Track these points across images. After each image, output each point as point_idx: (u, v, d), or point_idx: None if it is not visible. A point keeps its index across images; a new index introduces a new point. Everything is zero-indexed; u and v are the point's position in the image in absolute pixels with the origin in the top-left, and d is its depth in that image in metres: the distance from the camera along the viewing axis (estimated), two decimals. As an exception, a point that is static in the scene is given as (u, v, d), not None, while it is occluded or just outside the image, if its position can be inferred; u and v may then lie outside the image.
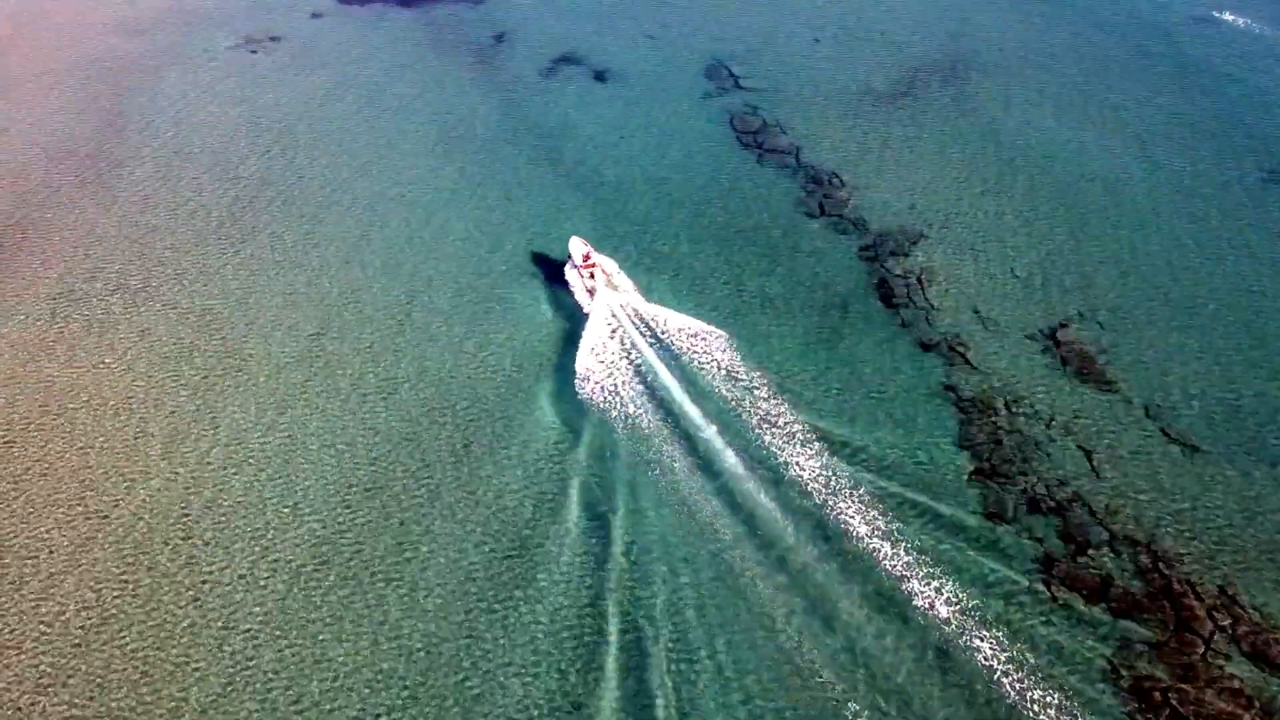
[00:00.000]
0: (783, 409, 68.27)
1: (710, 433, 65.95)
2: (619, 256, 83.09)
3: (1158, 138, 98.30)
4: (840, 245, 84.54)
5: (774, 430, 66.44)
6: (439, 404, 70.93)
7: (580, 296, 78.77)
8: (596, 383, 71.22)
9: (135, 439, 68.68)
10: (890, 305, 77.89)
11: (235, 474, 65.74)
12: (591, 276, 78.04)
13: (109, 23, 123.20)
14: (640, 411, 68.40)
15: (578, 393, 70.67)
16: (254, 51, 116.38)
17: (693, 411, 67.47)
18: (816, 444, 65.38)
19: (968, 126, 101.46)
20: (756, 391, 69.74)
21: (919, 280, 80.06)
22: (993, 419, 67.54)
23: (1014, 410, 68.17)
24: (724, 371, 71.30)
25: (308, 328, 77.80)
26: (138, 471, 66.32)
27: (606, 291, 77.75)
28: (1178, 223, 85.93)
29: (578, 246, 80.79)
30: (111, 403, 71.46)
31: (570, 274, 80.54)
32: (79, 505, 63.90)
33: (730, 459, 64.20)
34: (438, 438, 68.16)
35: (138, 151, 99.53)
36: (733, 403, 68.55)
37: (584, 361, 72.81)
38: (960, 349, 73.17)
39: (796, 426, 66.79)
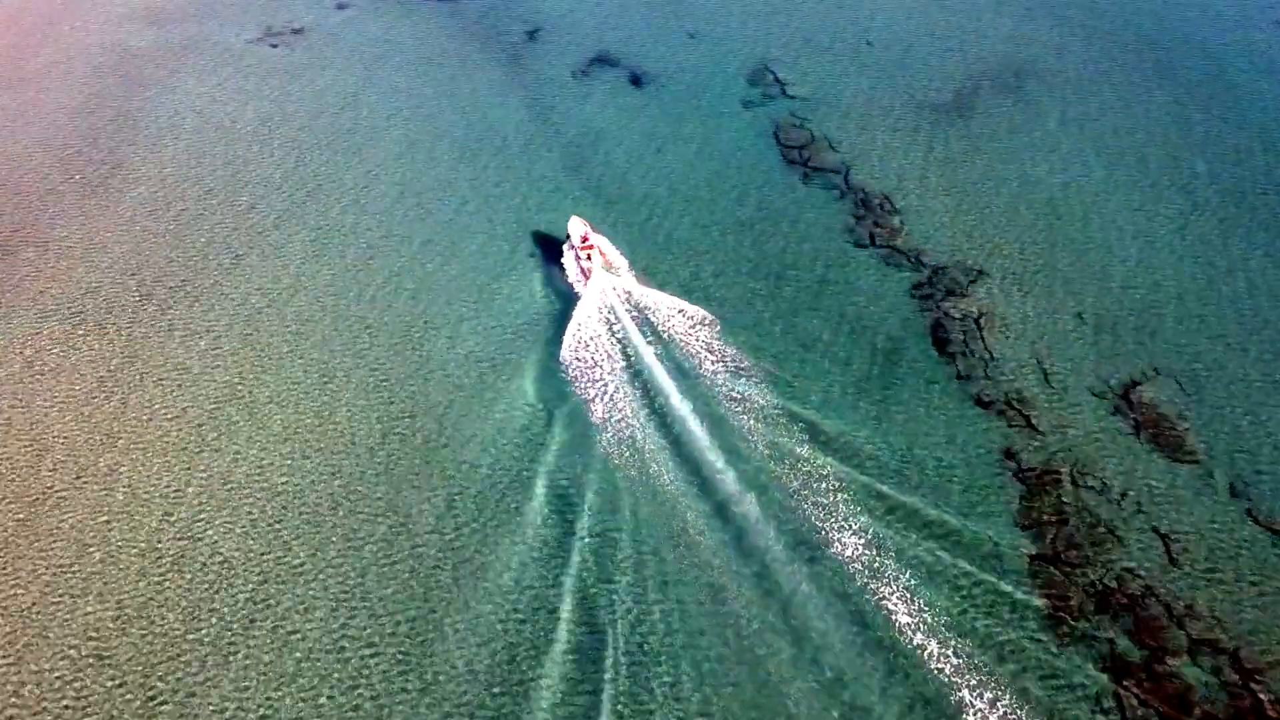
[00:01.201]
0: (822, 461, 63.19)
1: (738, 488, 61.45)
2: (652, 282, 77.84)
3: (1238, 160, 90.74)
4: (892, 281, 78.56)
5: (811, 490, 61.33)
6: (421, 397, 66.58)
7: (574, 277, 77.35)
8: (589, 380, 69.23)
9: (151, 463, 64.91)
10: (946, 352, 71.97)
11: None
12: (589, 258, 76.44)
13: (126, 12, 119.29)
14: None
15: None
16: (274, 46, 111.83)
17: (712, 459, 63.30)
18: (860, 518, 59.93)
19: (1027, 143, 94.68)
20: (792, 439, 64.60)
21: (977, 324, 73.98)
22: (1057, 493, 61.71)
23: (1081, 483, 62.26)
24: (758, 412, 66.90)
25: (312, 355, 73.50)
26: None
27: (602, 274, 75.83)
28: (1270, 266, 78.83)
29: (577, 226, 79.13)
30: (108, 431, 67.67)
31: (567, 255, 79.35)
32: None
33: (753, 513, 59.93)
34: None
35: (146, 156, 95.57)
36: (764, 451, 63.64)
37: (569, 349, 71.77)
38: (1021, 408, 67.23)
39: (835, 484, 61.75)
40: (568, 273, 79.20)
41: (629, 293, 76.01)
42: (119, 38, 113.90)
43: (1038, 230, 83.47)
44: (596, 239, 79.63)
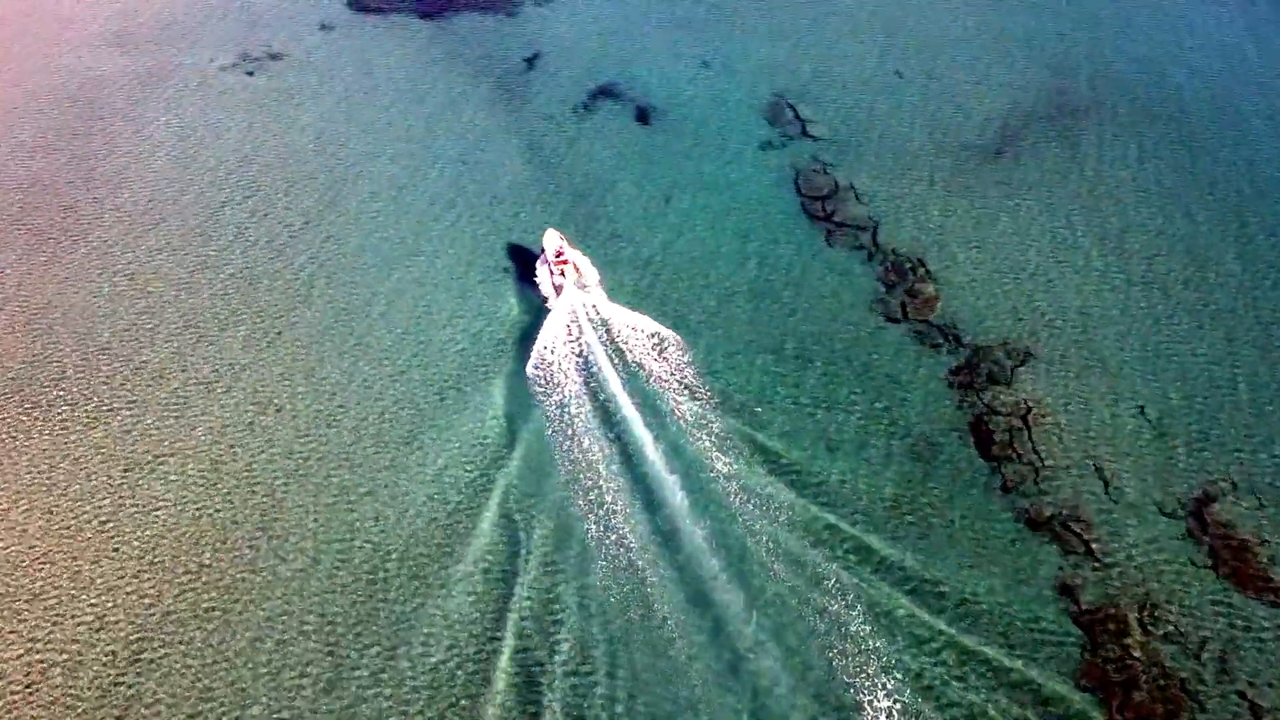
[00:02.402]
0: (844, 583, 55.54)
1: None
2: (656, 362, 69.95)
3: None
4: (927, 365, 70.39)
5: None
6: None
7: (546, 290, 75.47)
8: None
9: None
10: (989, 455, 63.89)
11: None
12: (562, 274, 74.68)
13: (91, 37, 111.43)
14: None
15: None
16: (250, 73, 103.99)
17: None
18: (885, 668, 52.02)
19: (1075, 193, 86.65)
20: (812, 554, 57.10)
21: (1025, 421, 65.81)
22: (1124, 642, 53.64)
23: (1151, 629, 54.20)
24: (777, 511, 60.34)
25: (279, 434, 65.85)
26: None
27: (574, 291, 74.20)
28: (1356, 352, 70.46)
29: (552, 240, 77.11)
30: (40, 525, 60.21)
31: (540, 270, 77.31)
32: None
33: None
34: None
35: (103, 200, 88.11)
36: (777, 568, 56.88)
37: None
38: (1078, 529, 59.14)
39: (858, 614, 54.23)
40: (540, 288, 76.36)
41: (599, 313, 73.48)
42: (84, 64, 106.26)
43: (1090, 301, 75.26)
44: (572, 254, 76.97)
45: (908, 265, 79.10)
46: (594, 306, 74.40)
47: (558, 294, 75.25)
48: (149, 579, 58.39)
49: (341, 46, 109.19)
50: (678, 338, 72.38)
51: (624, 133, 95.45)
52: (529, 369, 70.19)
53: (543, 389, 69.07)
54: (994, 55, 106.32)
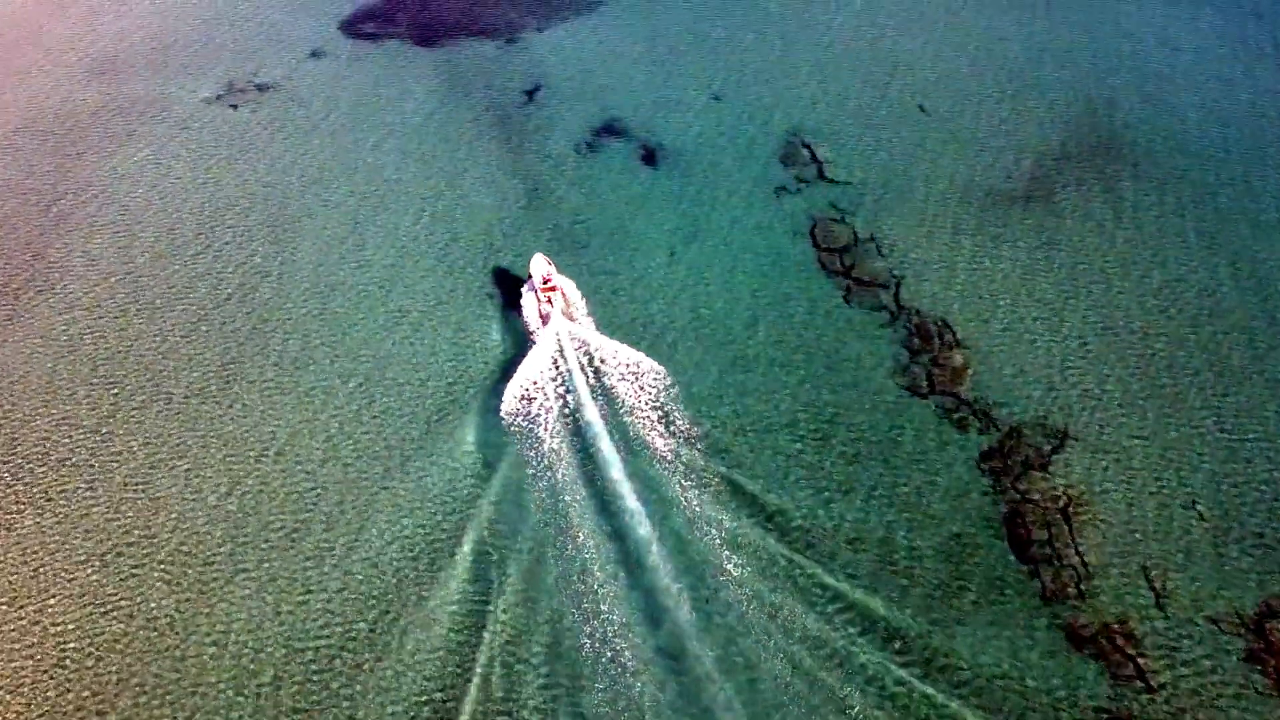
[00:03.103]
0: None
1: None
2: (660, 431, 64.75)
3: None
4: (955, 447, 64.88)
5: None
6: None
7: (531, 318, 73.12)
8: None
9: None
10: (1026, 556, 58.42)
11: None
12: (549, 301, 72.49)
13: (69, 65, 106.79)
14: None
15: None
16: (234, 106, 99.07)
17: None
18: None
19: (1117, 247, 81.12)
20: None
21: (1064, 514, 60.27)
22: (1182, 790, 47.81)
23: (1211, 771, 48.31)
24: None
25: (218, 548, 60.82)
26: None
27: (561, 321, 71.42)
28: None
29: (540, 265, 74.78)
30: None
31: (526, 296, 74.96)
32: None
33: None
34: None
35: (73, 250, 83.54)
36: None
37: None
38: (1128, 648, 53.46)
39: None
40: (525, 315, 74.18)
41: (586, 345, 70.85)
42: (60, 95, 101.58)
43: (1133, 371, 69.57)
44: (560, 281, 75.07)
45: (933, 328, 73.52)
46: (582, 341, 70.86)
47: (544, 323, 72.19)
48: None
49: (332, 76, 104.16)
50: (684, 412, 67.08)
51: (630, 175, 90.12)
52: (503, 412, 66.77)
53: (520, 438, 65.20)
54: (1022, 88, 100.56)
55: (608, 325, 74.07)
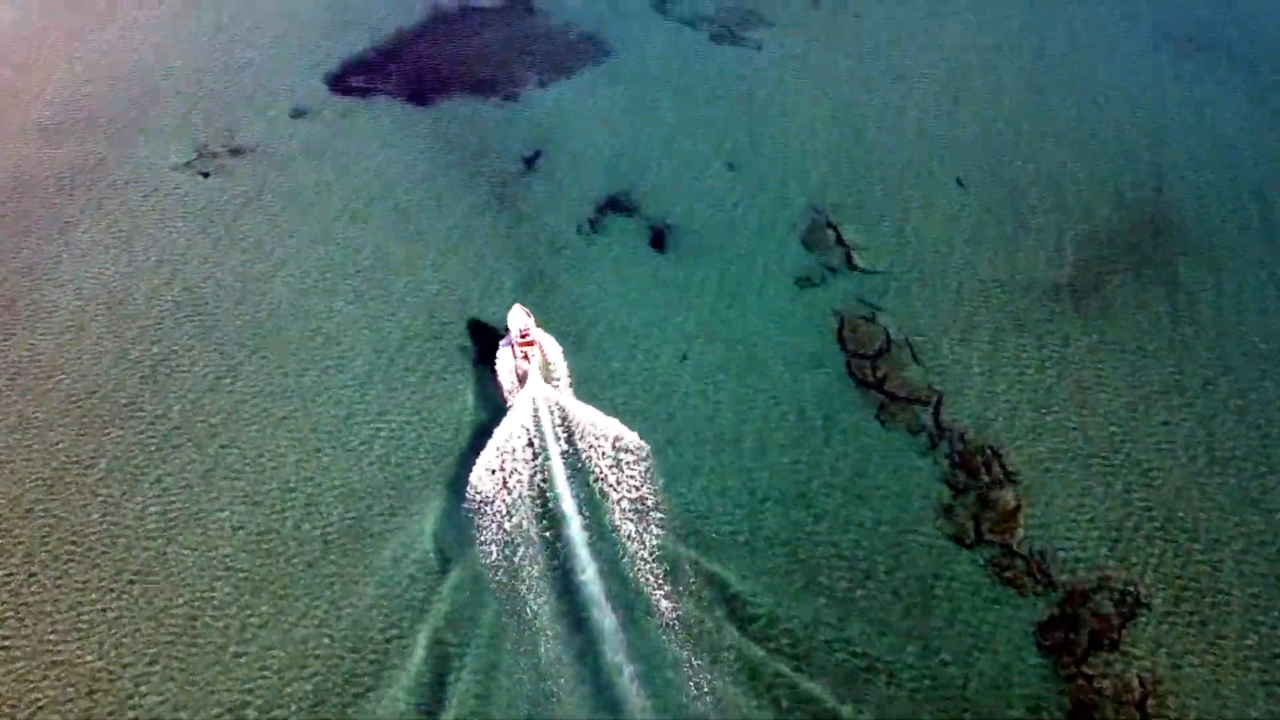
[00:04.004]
0: None
1: None
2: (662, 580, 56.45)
3: None
4: (1009, 614, 56.48)
5: None
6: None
7: (506, 378, 68.10)
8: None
9: None
10: (1098, 769, 49.19)
11: None
12: (526, 357, 67.77)
13: (29, 123, 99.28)
14: None
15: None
16: (205, 174, 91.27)
17: None
18: None
19: (1182, 351, 72.91)
20: None
21: (1140, 709, 51.29)
22: None
23: None
24: None
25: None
26: None
27: (538, 383, 66.21)
28: None
29: (518, 317, 70.10)
30: None
31: (503, 351, 70.12)
32: None
33: None
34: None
35: (19, 339, 76.11)
36: None
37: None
38: None
39: None
40: (499, 373, 69.32)
41: (566, 419, 65.60)
42: (17, 158, 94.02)
43: (1211, 510, 60.97)
44: (539, 335, 70.39)
45: (979, 458, 64.82)
46: (560, 407, 66.20)
47: (520, 383, 67.51)
48: None
49: (314, 138, 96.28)
50: (692, 555, 58.73)
51: (636, 260, 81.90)
52: (470, 497, 61.49)
53: (485, 535, 59.59)
54: (1068, 158, 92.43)
55: (608, 453, 65.42)
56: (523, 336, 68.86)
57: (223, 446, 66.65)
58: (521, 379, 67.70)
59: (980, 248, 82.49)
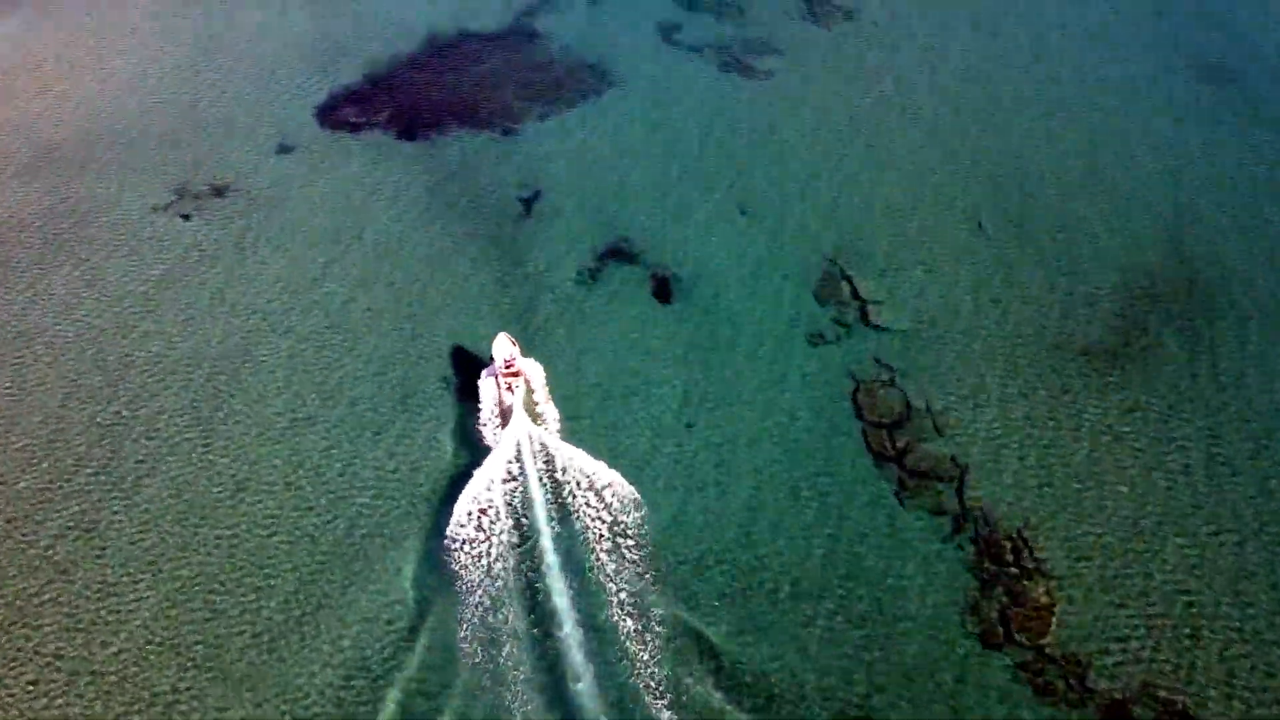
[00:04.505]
0: None
1: None
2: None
3: None
4: (1042, 728, 51.56)
5: None
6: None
7: (488, 416, 65.99)
8: None
9: None
10: None
11: None
12: (510, 388, 65.93)
13: (3, 161, 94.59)
14: None
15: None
16: (186, 217, 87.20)
17: None
18: None
19: (1224, 419, 68.32)
20: None
21: (1191, 844, 46.73)
22: None
23: None
24: None
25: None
26: None
27: (523, 420, 64.06)
28: None
29: (503, 346, 68.32)
30: None
31: (485, 382, 68.24)
32: None
33: None
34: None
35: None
36: None
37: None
38: None
39: None
40: (482, 407, 67.10)
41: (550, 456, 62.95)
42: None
43: (1262, 604, 56.43)
44: (525, 365, 68.64)
45: (1007, 544, 60.43)
46: (548, 454, 63.20)
47: (504, 421, 65.08)
48: None
49: (300, 177, 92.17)
50: (696, 646, 54.58)
51: (639, 314, 77.65)
52: (446, 545, 58.83)
53: (463, 585, 57.35)
54: (1092, 203, 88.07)
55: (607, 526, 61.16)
56: (507, 367, 66.24)
57: (180, 506, 62.34)
58: (505, 415, 65.03)
59: (1003, 303, 78.21)
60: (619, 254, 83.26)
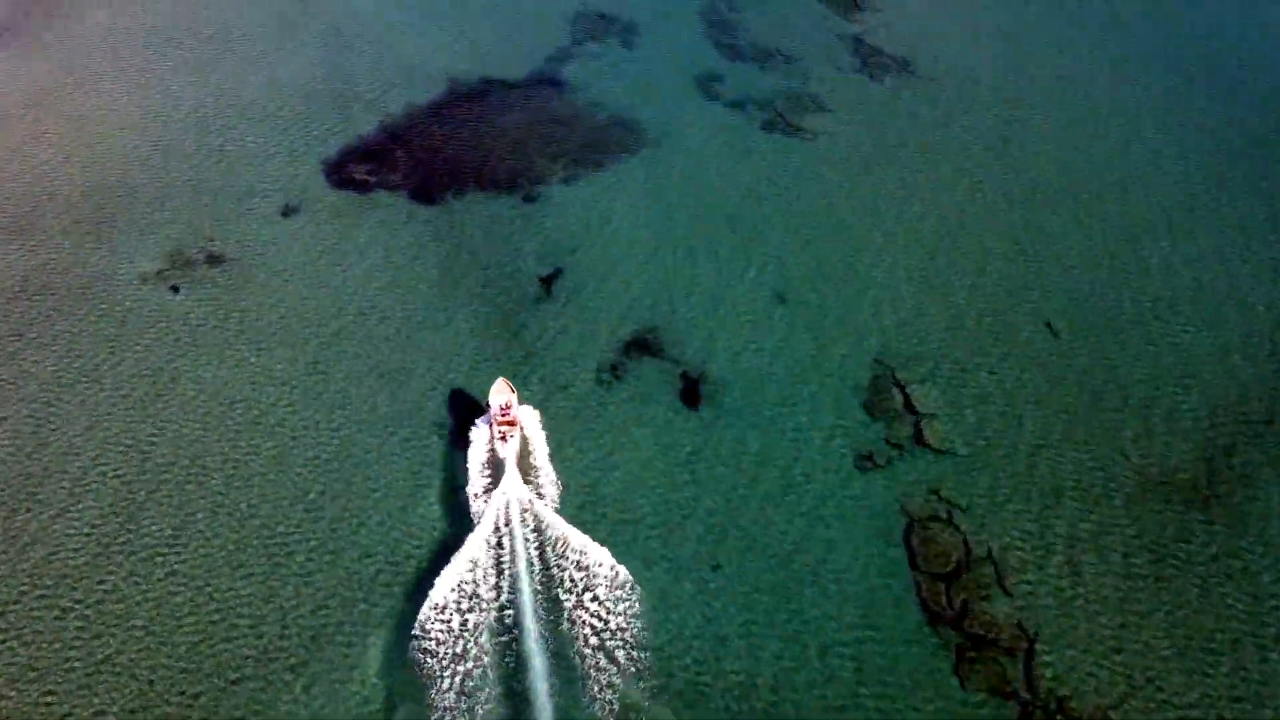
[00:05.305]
0: None
1: None
2: None
3: None
4: None
5: None
6: None
7: (476, 465, 62.94)
8: None
9: None
10: None
11: None
12: (504, 438, 63.12)
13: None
14: None
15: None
16: (175, 288, 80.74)
17: None
18: None
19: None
20: None
21: None
22: None
23: None
24: None
25: None
26: None
27: (515, 481, 60.87)
28: None
29: (500, 393, 65.37)
30: None
31: (479, 429, 65.35)
32: None
33: None
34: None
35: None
36: None
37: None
38: None
39: None
40: (471, 457, 63.86)
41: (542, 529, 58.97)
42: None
43: None
44: (522, 413, 65.94)
45: (1089, 740, 52.02)
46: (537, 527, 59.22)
47: (495, 476, 61.56)
48: None
49: (302, 244, 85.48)
50: None
51: (663, 423, 70.04)
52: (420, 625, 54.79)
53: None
54: (1182, 304, 79.23)
55: (606, 679, 53.47)
56: (503, 414, 63.43)
57: (136, 618, 55.37)
58: (497, 469, 61.64)
59: (1076, 423, 69.93)
60: (644, 346, 75.76)
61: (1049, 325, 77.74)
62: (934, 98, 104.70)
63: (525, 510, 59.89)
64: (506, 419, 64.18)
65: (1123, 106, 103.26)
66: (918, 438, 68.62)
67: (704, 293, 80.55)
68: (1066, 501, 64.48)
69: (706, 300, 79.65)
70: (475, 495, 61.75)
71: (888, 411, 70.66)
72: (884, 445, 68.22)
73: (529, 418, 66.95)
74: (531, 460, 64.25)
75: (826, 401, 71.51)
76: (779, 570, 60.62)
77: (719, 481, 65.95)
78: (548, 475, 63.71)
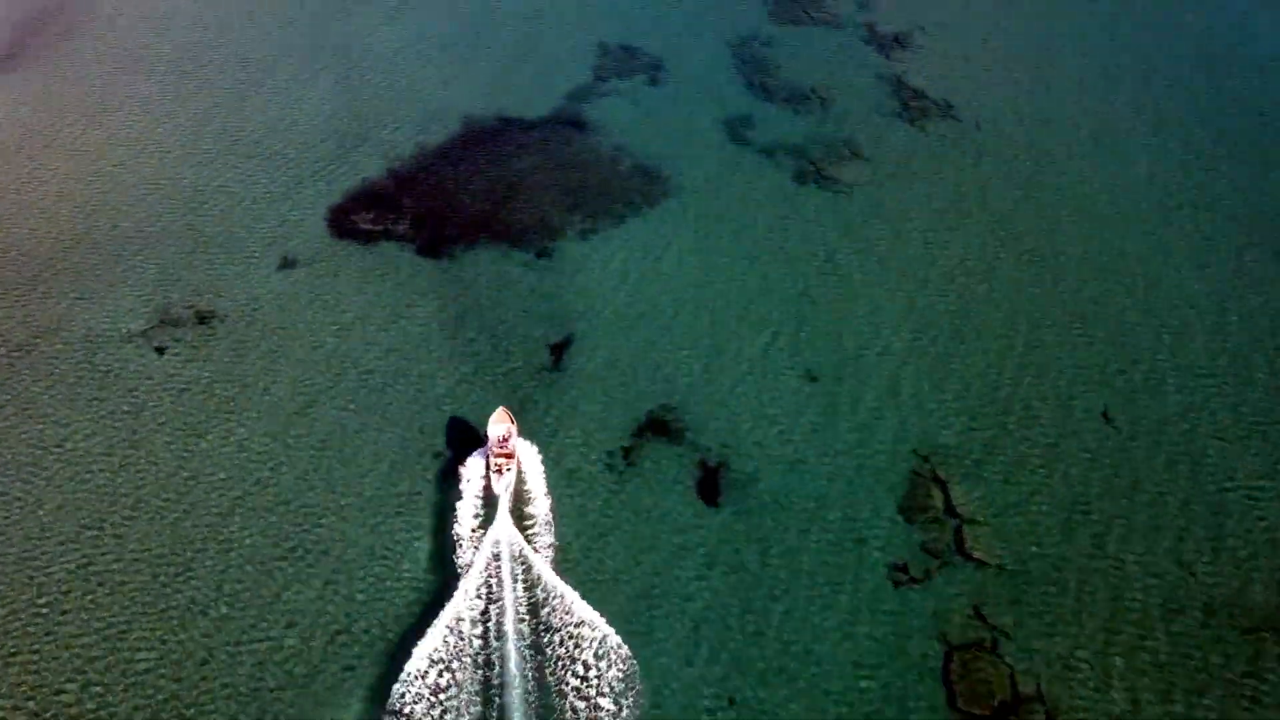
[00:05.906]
0: None
1: None
2: None
3: None
4: None
5: None
6: None
7: (465, 503, 61.62)
8: None
9: None
10: None
11: None
12: (500, 470, 62.16)
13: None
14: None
15: None
16: (160, 350, 75.92)
17: None
18: None
19: None
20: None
21: None
22: None
23: None
24: None
25: None
26: None
27: (507, 525, 59.53)
28: None
29: (500, 424, 64.58)
30: None
31: (472, 462, 64.34)
32: None
33: None
34: None
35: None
36: None
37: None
38: None
39: None
40: (462, 492, 62.40)
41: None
42: (-63, 316, 79.46)
43: None
44: (521, 447, 64.69)
45: None
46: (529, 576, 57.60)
47: (484, 521, 60.10)
48: None
49: (298, 301, 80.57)
50: None
51: (677, 521, 64.17)
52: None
53: None
54: (1255, 396, 72.30)
55: None
56: (500, 445, 62.60)
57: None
58: (489, 501, 60.00)
59: (1135, 534, 63.37)
60: (660, 429, 69.94)
61: (1107, 416, 71.06)
62: (979, 147, 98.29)
63: (515, 554, 58.25)
64: (504, 451, 62.05)
65: (1209, 181, 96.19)
66: (959, 545, 62.27)
67: (726, 368, 74.82)
68: (1124, 627, 58.10)
69: (730, 379, 73.89)
70: (461, 524, 60.80)
71: (927, 514, 64.33)
72: (921, 555, 62.07)
73: (527, 450, 65.34)
74: (526, 487, 62.87)
75: (858, 502, 65.48)
76: (797, 707, 54.39)
77: (734, 592, 60.11)
78: (553, 590, 57.64)
